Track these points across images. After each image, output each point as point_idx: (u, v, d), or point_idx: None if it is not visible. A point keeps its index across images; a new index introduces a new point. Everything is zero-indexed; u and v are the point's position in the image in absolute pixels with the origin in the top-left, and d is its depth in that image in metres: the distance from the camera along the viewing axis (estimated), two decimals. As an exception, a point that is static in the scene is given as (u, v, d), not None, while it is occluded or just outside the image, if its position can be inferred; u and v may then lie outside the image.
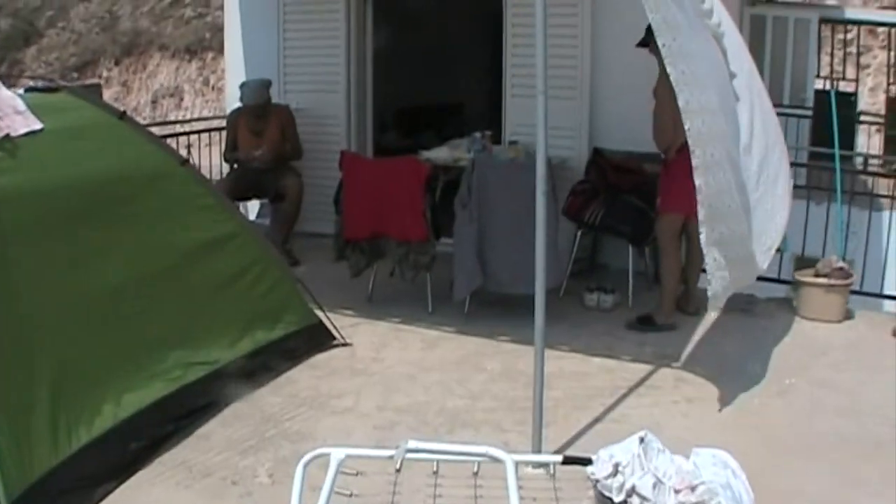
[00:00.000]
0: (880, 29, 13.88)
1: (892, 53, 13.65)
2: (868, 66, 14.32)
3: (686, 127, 4.45)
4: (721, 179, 4.62)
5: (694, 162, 4.43)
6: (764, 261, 5.37)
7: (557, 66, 7.34)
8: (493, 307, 6.39)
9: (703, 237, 4.56)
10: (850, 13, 12.89)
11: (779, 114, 6.47)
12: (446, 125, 11.25)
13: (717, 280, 4.70)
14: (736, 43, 6.04)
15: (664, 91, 5.47)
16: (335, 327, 5.78)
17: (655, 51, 5.32)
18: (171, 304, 4.86)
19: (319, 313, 5.72)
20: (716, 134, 4.59)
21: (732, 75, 5.32)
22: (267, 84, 7.89)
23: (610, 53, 7.48)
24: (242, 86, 7.88)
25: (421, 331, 6.14)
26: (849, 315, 6.59)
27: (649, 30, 5.53)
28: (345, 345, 5.79)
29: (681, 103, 4.42)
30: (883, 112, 13.34)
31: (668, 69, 4.42)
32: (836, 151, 8.17)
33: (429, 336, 6.06)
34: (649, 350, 5.85)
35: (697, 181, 4.46)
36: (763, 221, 5.32)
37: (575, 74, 7.61)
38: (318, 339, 5.68)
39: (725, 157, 4.69)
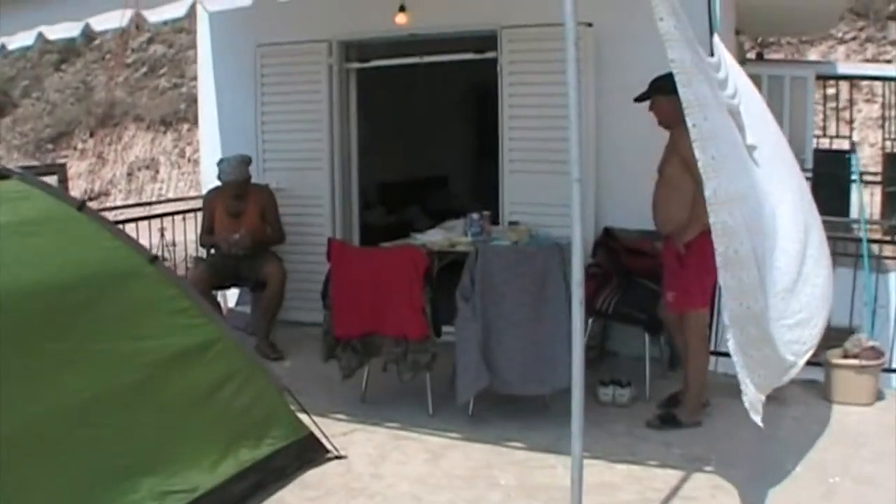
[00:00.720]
0: (864, 83, 13.61)
1: (887, 107, 13.39)
2: (853, 121, 14.14)
3: (711, 220, 4.02)
4: (745, 278, 4.14)
5: (718, 260, 4.00)
6: (795, 367, 4.95)
7: (559, 138, 6.88)
8: (501, 407, 5.79)
9: (731, 342, 4.10)
10: (844, 68, 12.60)
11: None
12: (430, 199, 10.92)
13: (751, 387, 4.21)
14: (757, 107, 5.56)
15: (676, 171, 5.21)
16: (327, 437, 5.16)
17: (658, 107, 5.41)
18: (143, 423, 4.24)
19: (309, 422, 5.11)
20: (741, 226, 4.13)
21: (752, 148, 4.86)
22: (247, 161, 7.34)
23: (616, 126, 6.99)
24: (220, 162, 7.32)
25: (423, 438, 5.51)
26: (879, 396, 6.16)
27: (653, 84, 5.32)
28: (339, 457, 5.15)
29: (707, 193, 3.97)
30: (875, 168, 13.02)
31: (698, 153, 3.98)
32: (864, 218, 7.68)
33: (432, 444, 5.42)
34: (677, 452, 5.28)
35: (721, 279, 4.04)
36: (799, 328, 4.94)
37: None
38: (309, 453, 5.03)
39: (751, 254, 4.21)
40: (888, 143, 13.37)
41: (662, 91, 5.16)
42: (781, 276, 4.80)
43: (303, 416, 5.14)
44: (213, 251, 7.51)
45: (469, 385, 5.48)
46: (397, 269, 5.59)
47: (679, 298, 5.52)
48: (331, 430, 5.28)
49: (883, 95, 13.37)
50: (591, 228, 7.03)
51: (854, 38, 15.22)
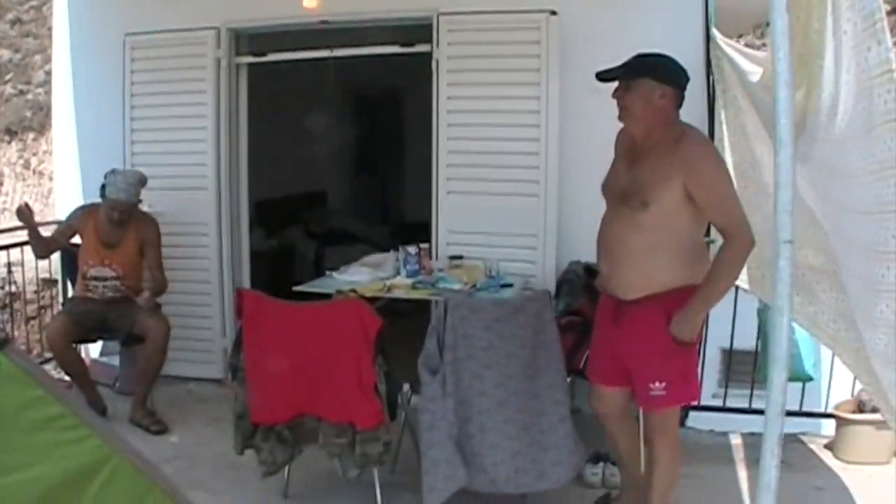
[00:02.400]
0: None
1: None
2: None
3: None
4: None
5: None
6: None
7: (515, 151, 5.63)
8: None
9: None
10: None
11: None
12: (310, 219, 9.92)
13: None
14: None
15: (669, 204, 3.61)
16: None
17: (640, 97, 3.66)
18: None
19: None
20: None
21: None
22: (143, 181, 5.73)
23: (584, 133, 5.70)
24: (112, 174, 5.64)
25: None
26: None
27: (639, 63, 3.70)
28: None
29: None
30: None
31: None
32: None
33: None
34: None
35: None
36: None
37: (537, 162, 5.77)
38: None
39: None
40: None
41: (656, 75, 3.64)
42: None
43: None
44: (70, 292, 5.87)
45: (440, 486, 4.05)
46: (339, 332, 4.12)
47: (674, 392, 3.76)
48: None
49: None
50: (550, 264, 5.79)
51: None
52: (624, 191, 3.70)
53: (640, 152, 3.72)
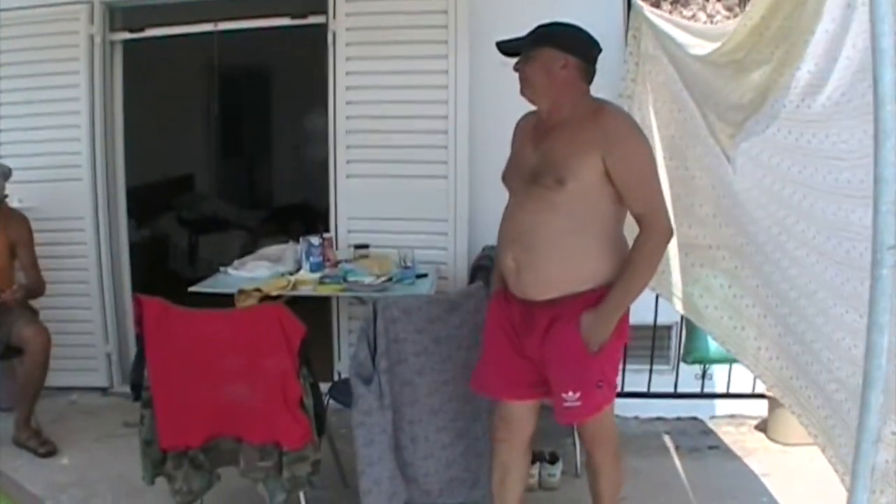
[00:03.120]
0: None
1: None
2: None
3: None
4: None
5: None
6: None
7: (420, 130, 5.36)
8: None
9: None
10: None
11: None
12: (180, 205, 9.48)
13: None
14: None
15: (587, 184, 3.16)
16: None
17: (543, 69, 3.23)
18: None
19: None
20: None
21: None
22: (7, 174, 5.11)
23: (493, 111, 5.19)
24: None
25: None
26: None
27: (544, 32, 3.29)
28: None
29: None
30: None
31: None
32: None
33: None
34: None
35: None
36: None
37: (445, 142, 5.38)
38: None
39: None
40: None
41: (557, 44, 3.24)
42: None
43: None
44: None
45: (381, 506, 3.69)
46: (258, 342, 3.65)
47: (590, 399, 3.26)
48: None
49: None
50: (462, 251, 5.45)
51: None
52: (533, 171, 3.21)
53: (548, 130, 3.28)
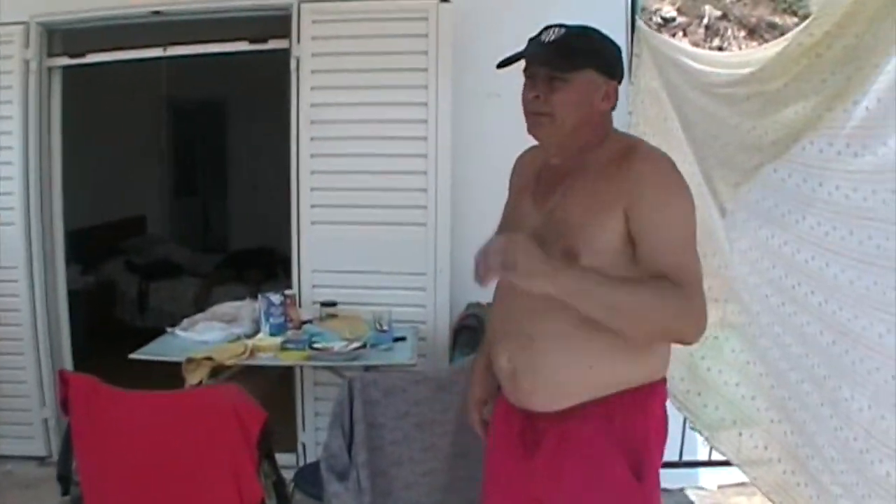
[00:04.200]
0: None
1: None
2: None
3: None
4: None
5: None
6: None
7: (397, 171, 4.82)
8: None
9: None
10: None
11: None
12: (131, 249, 8.84)
13: None
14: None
15: (609, 256, 2.27)
16: None
17: (577, 91, 2.33)
18: None
19: None
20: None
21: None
22: None
23: (479, 147, 4.80)
24: None
25: None
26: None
27: (561, 47, 2.34)
28: None
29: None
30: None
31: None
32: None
33: None
34: None
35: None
36: None
37: (424, 184, 4.80)
38: None
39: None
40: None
41: (601, 65, 2.38)
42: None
43: None
44: None
45: None
46: (209, 431, 3.01)
47: None
48: None
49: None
50: (443, 309, 4.86)
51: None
52: (535, 237, 2.24)
53: (558, 177, 2.42)
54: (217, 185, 10.40)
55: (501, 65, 2.38)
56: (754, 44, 13.18)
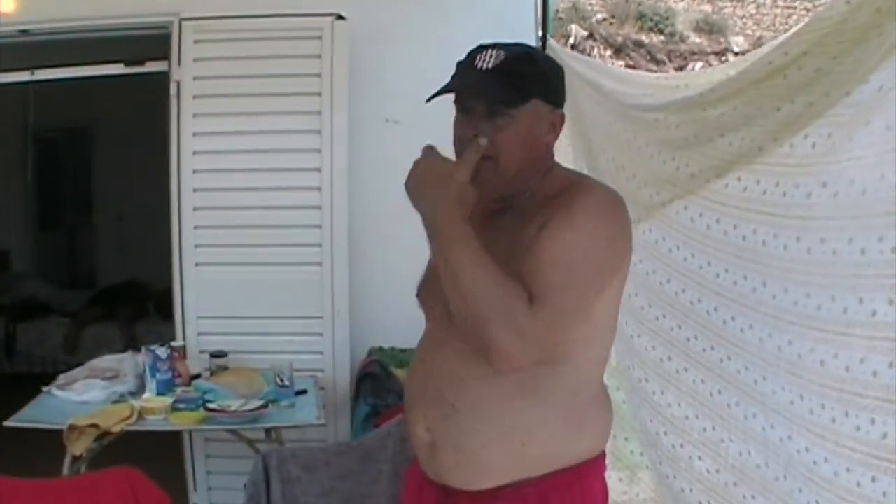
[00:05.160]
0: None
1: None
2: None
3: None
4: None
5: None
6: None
7: (281, 205, 4.32)
8: None
9: None
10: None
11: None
12: None
13: None
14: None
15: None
16: None
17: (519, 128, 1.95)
18: None
19: None
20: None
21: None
22: None
23: (378, 176, 4.45)
24: None
25: None
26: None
27: (504, 75, 1.94)
28: None
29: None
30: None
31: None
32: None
33: None
34: None
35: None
36: None
37: (318, 219, 4.44)
38: None
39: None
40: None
41: (547, 93, 2.01)
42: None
43: None
44: None
45: None
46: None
47: None
48: None
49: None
50: (346, 352, 4.51)
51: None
52: None
53: (487, 218, 2.06)
54: (82, 215, 9.88)
55: (430, 98, 1.99)
56: (621, 63, 13.23)
